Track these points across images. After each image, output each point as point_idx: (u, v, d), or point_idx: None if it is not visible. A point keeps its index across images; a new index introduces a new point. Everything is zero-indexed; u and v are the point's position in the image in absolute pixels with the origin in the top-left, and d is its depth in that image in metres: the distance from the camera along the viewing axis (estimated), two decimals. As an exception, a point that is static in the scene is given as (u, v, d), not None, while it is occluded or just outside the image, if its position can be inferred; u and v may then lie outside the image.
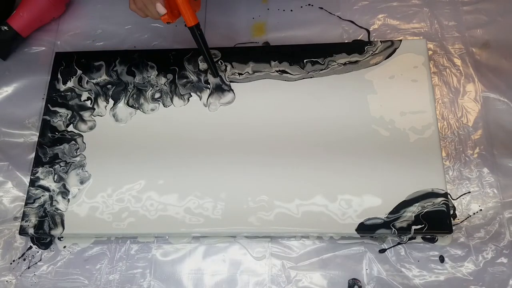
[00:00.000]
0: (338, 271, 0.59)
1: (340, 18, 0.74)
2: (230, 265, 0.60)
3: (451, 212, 0.60)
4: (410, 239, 0.59)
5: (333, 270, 0.59)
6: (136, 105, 0.67)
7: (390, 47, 0.66)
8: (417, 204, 0.58)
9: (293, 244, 0.61)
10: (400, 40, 0.67)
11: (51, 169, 0.64)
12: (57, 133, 0.67)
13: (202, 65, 0.68)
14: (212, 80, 0.68)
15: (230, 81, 0.67)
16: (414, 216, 0.57)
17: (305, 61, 0.67)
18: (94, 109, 0.68)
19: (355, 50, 0.67)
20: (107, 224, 0.60)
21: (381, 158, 0.60)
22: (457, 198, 0.61)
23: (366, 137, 0.62)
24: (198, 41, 0.63)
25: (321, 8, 0.75)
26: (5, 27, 0.73)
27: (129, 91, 0.68)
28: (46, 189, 0.63)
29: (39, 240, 0.64)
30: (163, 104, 0.67)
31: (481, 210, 0.60)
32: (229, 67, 0.68)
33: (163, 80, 0.68)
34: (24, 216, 0.62)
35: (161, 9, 0.59)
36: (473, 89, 0.67)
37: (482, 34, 0.70)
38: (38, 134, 0.68)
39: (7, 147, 0.70)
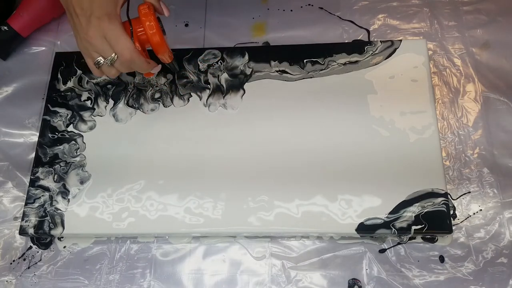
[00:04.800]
0: (338, 271, 0.59)
1: (340, 18, 0.74)
2: (230, 265, 0.61)
3: (451, 212, 0.60)
4: (410, 239, 0.59)
5: (333, 270, 0.59)
6: (136, 105, 0.67)
7: (390, 47, 0.67)
8: (417, 204, 0.58)
9: (293, 244, 0.61)
10: (400, 40, 0.67)
11: (51, 169, 0.64)
12: (57, 133, 0.67)
13: (202, 66, 0.68)
14: (212, 80, 0.68)
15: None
16: (414, 216, 0.57)
17: (305, 61, 0.67)
18: (94, 109, 0.68)
19: (355, 50, 0.67)
20: (107, 224, 0.60)
21: (381, 158, 0.60)
22: (457, 198, 0.61)
23: (366, 137, 0.62)
24: (173, 65, 0.63)
25: (321, 8, 0.75)
26: (5, 27, 0.73)
27: (129, 91, 0.68)
28: (46, 189, 0.63)
29: (39, 240, 0.64)
30: (163, 104, 0.67)
31: (481, 210, 0.60)
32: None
33: (163, 80, 0.68)
34: (24, 216, 0.62)
35: (158, 68, 0.58)
36: (473, 89, 0.67)
37: (482, 34, 0.70)
38: (38, 134, 0.68)
39: (7, 147, 0.70)
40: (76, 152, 0.65)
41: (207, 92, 0.67)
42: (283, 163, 0.61)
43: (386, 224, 0.57)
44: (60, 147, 0.66)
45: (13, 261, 0.63)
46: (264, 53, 0.68)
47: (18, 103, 0.73)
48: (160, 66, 0.59)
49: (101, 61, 0.53)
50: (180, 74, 0.68)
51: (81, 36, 0.52)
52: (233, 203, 0.60)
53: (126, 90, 0.68)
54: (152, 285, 0.60)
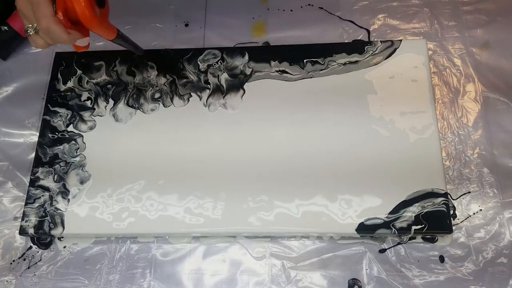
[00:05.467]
0: (338, 271, 0.59)
1: (340, 18, 0.74)
2: (230, 265, 0.61)
3: (451, 212, 0.60)
4: (410, 239, 0.60)
5: (333, 270, 0.59)
6: (136, 105, 0.67)
7: (390, 47, 0.67)
8: (417, 204, 0.58)
9: (293, 244, 0.61)
10: (400, 40, 0.67)
11: (51, 169, 0.64)
12: (57, 133, 0.67)
13: (202, 66, 0.68)
14: (212, 80, 0.68)
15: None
16: (414, 216, 0.57)
17: (305, 61, 0.67)
18: (94, 109, 0.68)
19: (355, 50, 0.67)
20: (107, 224, 0.60)
21: (381, 158, 0.60)
22: (457, 198, 0.61)
23: (366, 137, 0.62)
24: (125, 43, 0.58)
25: (321, 8, 0.75)
26: (5, 27, 0.73)
27: (129, 91, 0.68)
28: (46, 189, 0.63)
29: (39, 240, 0.64)
30: (163, 104, 0.67)
31: (481, 210, 0.60)
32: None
33: (163, 80, 0.68)
34: (24, 216, 0.62)
35: (85, 41, 0.52)
36: (473, 89, 0.67)
37: (482, 34, 0.70)
38: (38, 134, 0.68)
39: (7, 147, 0.70)
40: (76, 152, 0.65)
41: (207, 92, 0.67)
42: (283, 163, 0.61)
43: (386, 224, 0.57)
44: (60, 147, 0.66)
45: (13, 261, 0.63)
46: (264, 53, 0.68)
47: (18, 103, 0.73)
48: (87, 38, 0.52)
49: (27, 30, 0.50)
50: (180, 74, 0.68)
51: (15, 1, 0.50)
52: (233, 203, 0.60)
53: (126, 90, 0.68)
54: (152, 285, 0.60)
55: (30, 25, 0.50)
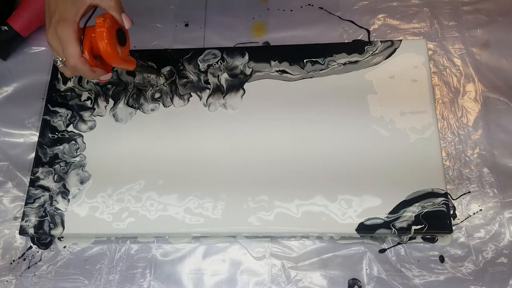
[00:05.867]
0: (338, 271, 0.59)
1: (340, 18, 0.74)
2: (230, 265, 0.61)
3: (451, 212, 0.60)
4: (410, 239, 0.60)
5: (333, 270, 0.59)
6: (136, 105, 0.67)
7: (390, 47, 0.67)
8: (417, 204, 0.58)
9: (293, 244, 0.61)
10: (400, 40, 0.67)
11: (51, 169, 0.64)
12: (57, 133, 0.67)
13: (202, 66, 0.68)
14: (212, 80, 0.68)
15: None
16: (414, 216, 0.57)
17: (305, 61, 0.67)
18: (94, 109, 0.68)
19: (355, 50, 0.67)
20: (107, 224, 0.60)
21: (381, 158, 0.60)
22: (457, 198, 0.61)
23: (366, 137, 0.62)
24: (143, 70, 0.65)
25: (321, 8, 0.75)
26: (5, 27, 0.73)
27: (129, 91, 0.68)
28: (46, 189, 0.63)
29: (39, 240, 0.64)
30: (163, 104, 0.67)
31: (481, 210, 0.60)
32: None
33: (163, 80, 0.68)
34: (24, 216, 0.62)
35: (108, 76, 0.57)
36: (473, 89, 0.67)
37: (482, 34, 0.70)
38: (38, 134, 0.68)
39: (7, 147, 0.70)
40: (76, 152, 0.65)
41: (207, 92, 0.67)
42: (283, 163, 0.61)
43: (386, 224, 0.57)
44: (60, 147, 0.66)
45: (13, 261, 0.63)
46: (264, 53, 0.68)
47: (18, 103, 0.73)
48: (110, 74, 0.58)
49: (57, 61, 0.55)
50: (181, 74, 0.68)
51: (46, 35, 0.55)
52: (233, 203, 0.60)
53: (126, 90, 0.68)
54: (152, 285, 0.60)
55: (60, 58, 0.55)
